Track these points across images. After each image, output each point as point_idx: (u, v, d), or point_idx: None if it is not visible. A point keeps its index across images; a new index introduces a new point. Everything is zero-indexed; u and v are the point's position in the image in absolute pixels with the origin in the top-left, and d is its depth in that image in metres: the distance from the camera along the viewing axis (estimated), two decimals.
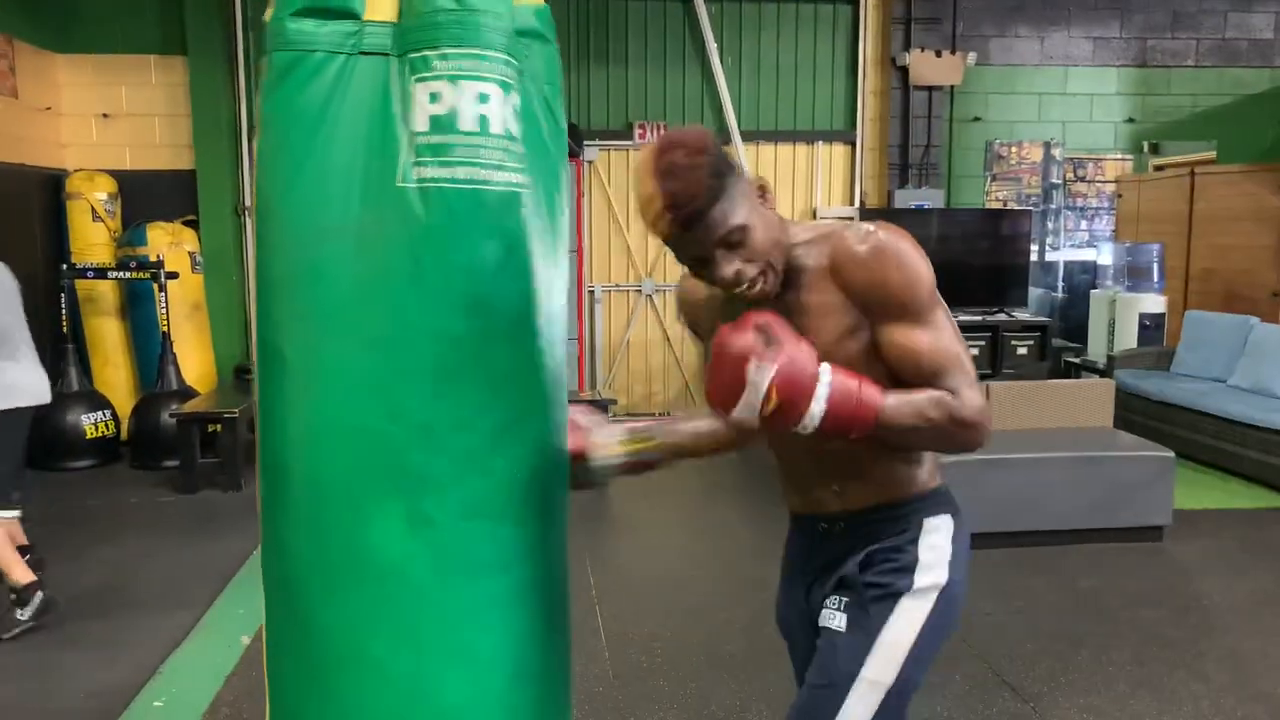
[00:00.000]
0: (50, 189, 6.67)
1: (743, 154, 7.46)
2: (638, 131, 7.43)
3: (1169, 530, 4.72)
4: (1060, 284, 8.12)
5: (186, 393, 6.25)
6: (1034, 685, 3.28)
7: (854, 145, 7.73)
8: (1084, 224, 8.17)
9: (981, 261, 7.30)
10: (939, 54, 7.42)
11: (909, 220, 6.73)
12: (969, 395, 1.47)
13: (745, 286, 1.51)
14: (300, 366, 1.63)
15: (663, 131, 1.51)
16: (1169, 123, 7.99)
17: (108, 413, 6.26)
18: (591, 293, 7.57)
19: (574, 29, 7.34)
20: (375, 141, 1.59)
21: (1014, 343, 7.05)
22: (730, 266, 1.49)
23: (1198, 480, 5.75)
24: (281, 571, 1.70)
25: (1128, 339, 7.04)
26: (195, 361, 6.77)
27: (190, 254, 6.76)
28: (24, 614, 3.61)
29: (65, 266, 6.28)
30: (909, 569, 1.59)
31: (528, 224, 1.68)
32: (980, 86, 7.74)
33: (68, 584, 4.09)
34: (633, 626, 3.75)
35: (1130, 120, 7.96)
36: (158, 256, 6.36)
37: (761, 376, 1.40)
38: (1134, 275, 7.19)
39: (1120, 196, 8.07)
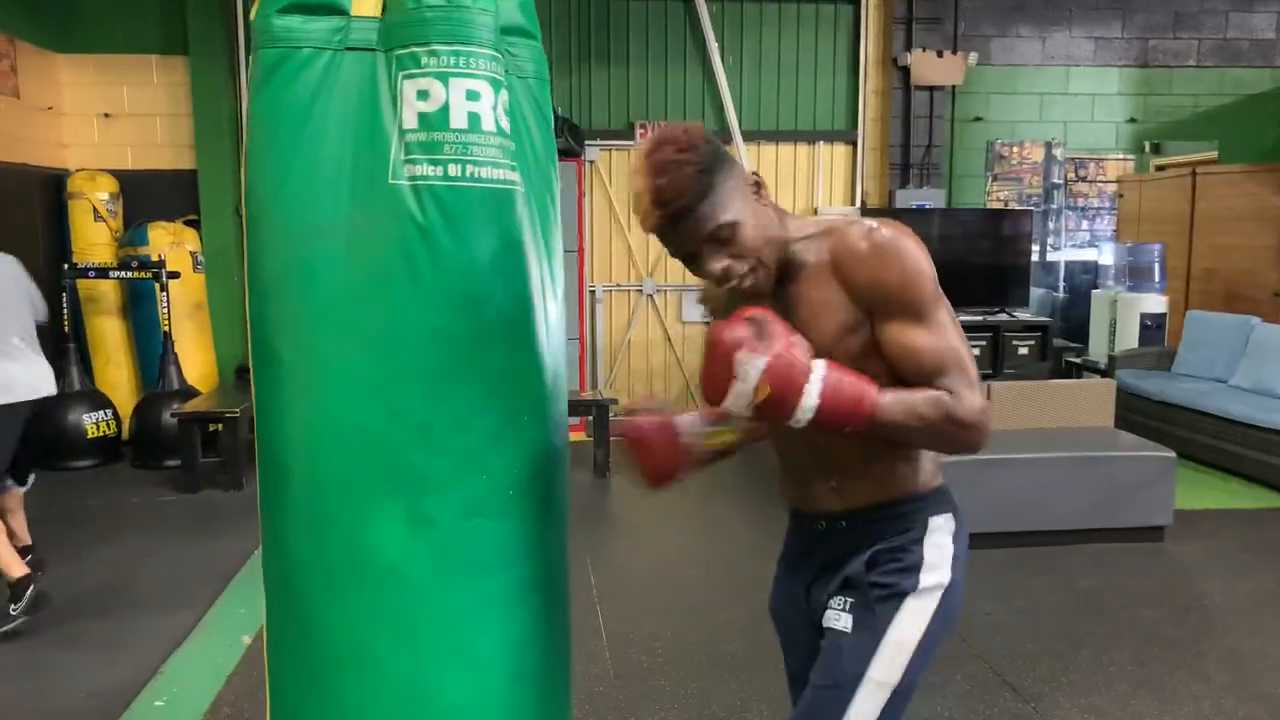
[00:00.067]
0: (52, 189, 6.67)
1: (744, 154, 7.46)
2: (639, 131, 7.43)
3: (1170, 530, 4.71)
4: (1061, 284, 8.12)
5: (188, 392, 6.25)
6: (1035, 685, 3.28)
7: (855, 145, 7.73)
8: (1085, 224, 8.16)
9: (983, 261, 7.29)
10: (940, 54, 7.42)
11: (910, 220, 6.66)
12: (967, 396, 1.46)
13: (734, 282, 1.52)
14: (297, 366, 1.62)
15: (655, 147, 1.51)
16: (1170, 123, 7.98)
17: (109, 412, 6.26)
18: (592, 292, 7.57)
19: (575, 28, 7.34)
20: (364, 138, 1.59)
21: (1015, 343, 7.04)
22: (718, 262, 1.51)
23: (1199, 480, 5.75)
24: (282, 571, 1.71)
25: (1129, 339, 7.03)
26: (197, 361, 6.78)
27: (192, 254, 6.76)
28: (17, 608, 3.60)
29: (67, 266, 6.28)
30: (914, 568, 1.59)
31: (521, 221, 1.68)
32: (981, 86, 7.74)
33: (69, 584, 4.10)
34: (633, 626, 3.75)
35: (1132, 120, 7.95)
36: (159, 256, 6.36)
37: (751, 368, 1.41)
38: (1135, 275, 7.18)
39: (1121, 196, 8.06)
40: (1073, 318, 7.93)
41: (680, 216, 1.46)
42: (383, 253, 1.58)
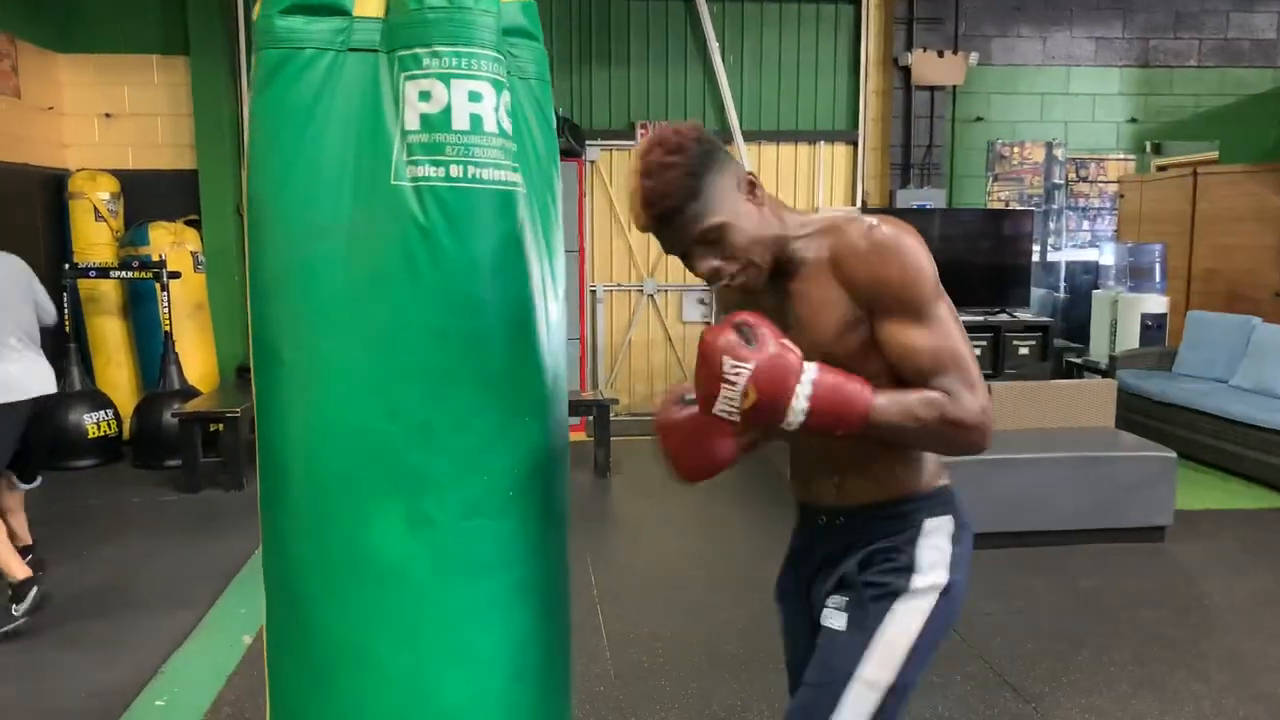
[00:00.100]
0: (52, 189, 6.68)
1: (744, 154, 7.45)
2: (640, 131, 7.43)
3: (1170, 530, 4.71)
4: (1062, 284, 8.11)
5: (189, 392, 6.25)
6: (1035, 685, 3.28)
7: (856, 145, 7.73)
8: (1086, 224, 8.16)
9: (983, 262, 7.29)
10: (941, 54, 7.42)
11: (911, 220, 6.66)
12: (965, 396, 1.45)
13: (724, 281, 1.54)
14: (298, 366, 1.63)
15: (647, 148, 1.52)
16: (1171, 123, 7.98)
17: (110, 412, 6.26)
18: (593, 292, 7.57)
19: (576, 28, 7.34)
20: (366, 139, 1.59)
21: (1016, 343, 7.04)
22: (706, 262, 1.53)
23: (1199, 480, 5.74)
24: (282, 571, 1.71)
25: (1130, 339, 7.03)
26: (197, 361, 6.78)
27: (192, 253, 6.77)
28: (19, 609, 3.60)
29: (68, 266, 6.29)
30: (908, 569, 1.59)
31: (522, 222, 1.68)
32: (982, 86, 7.73)
33: (69, 583, 4.10)
34: (634, 626, 3.75)
35: (1132, 120, 7.95)
36: (160, 256, 6.37)
37: (737, 373, 1.42)
38: (1136, 275, 7.18)
39: (1122, 197, 8.06)
40: (1073, 318, 7.92)
41: (667, 218, 1.49)
42: (384, 253, 1.58)
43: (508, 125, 1.65)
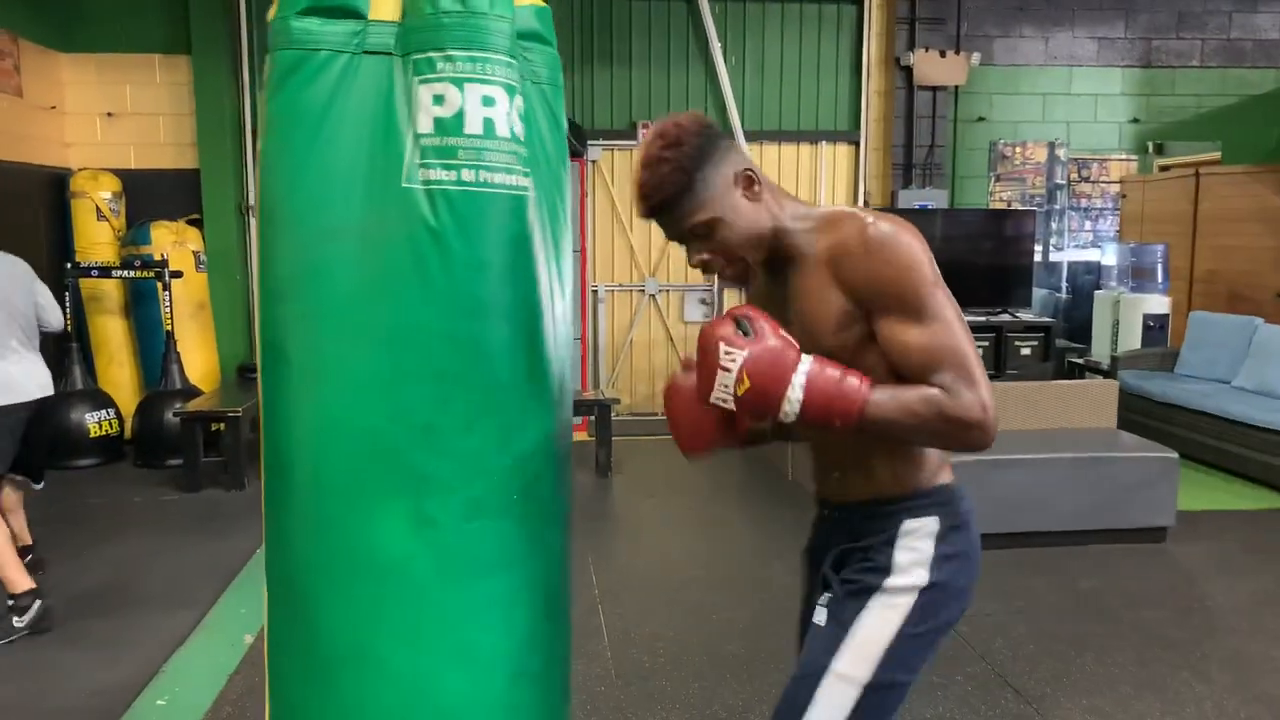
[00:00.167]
0: (55, 188, 6.68)
1: (746, 154, 7.45)
2: (641, 131, 7.43)
3: (1172, 531, 4.71)
4: (1064, 284, 8.11)
5: (190, 392, 6.25)
6: (1036, 686, 3.27)
7: (858, 145, 7.73)
8: (1088, 224, 8.16)
9: (985, 262, 7.28)
10: (943, 54, 7.42)
11: (912, 220, 6.69)
12: (964, 393, 1.44)
13: (715, 273, 1.60)
14: (304, 366, 1.63)
15: (648, 140, 1.55)
16: (1173, 123, 7.97)
17: (111, 411, 6.26)
18: (594, 292, 7.57)
19: (578, 28, 7.34)
20: (379, 142, 1.59)
21: (1018, 343, 7.03)
22: (697, 255, 1.60)
23: (1201, 481, 5.74)
24: (284, 570, 1.71)
25: (1131, 340, 7.03)
26: (199, 360, 6.78)
27: (194, 253, 6.77)
28: (20, 622, 3.57)
29: (69, 265, 6.29)
30: (884, 569, 1.59)
31: (532, 226, 1.69)
32: (984, 86, 7.73)
33: (70, 583, 4.10)
34: (635, 626, 3.75)
35: (1135, 121, 7.94)
36: (162, 255, 6.37)
37: (731, 360, 1.45)
38: (1138, 276, 7.17)
39: (1124, 197, 8.05)
40: (1075, 318, 7.92)
41: (661, 210, 1.55)
42: (394, 255, 1.59)
43: (520, 130, 1.65)
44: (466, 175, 1.59)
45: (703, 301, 7.70)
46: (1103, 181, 8.09)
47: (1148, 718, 3.07)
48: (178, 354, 6.31)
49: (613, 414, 6.15)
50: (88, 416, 6.09)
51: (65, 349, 6.10)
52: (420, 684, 1.66)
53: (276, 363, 1.65)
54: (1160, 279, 7.14)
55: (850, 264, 1.50)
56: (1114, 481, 4.61)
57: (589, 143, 7.28)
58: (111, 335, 6.74)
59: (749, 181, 1.57)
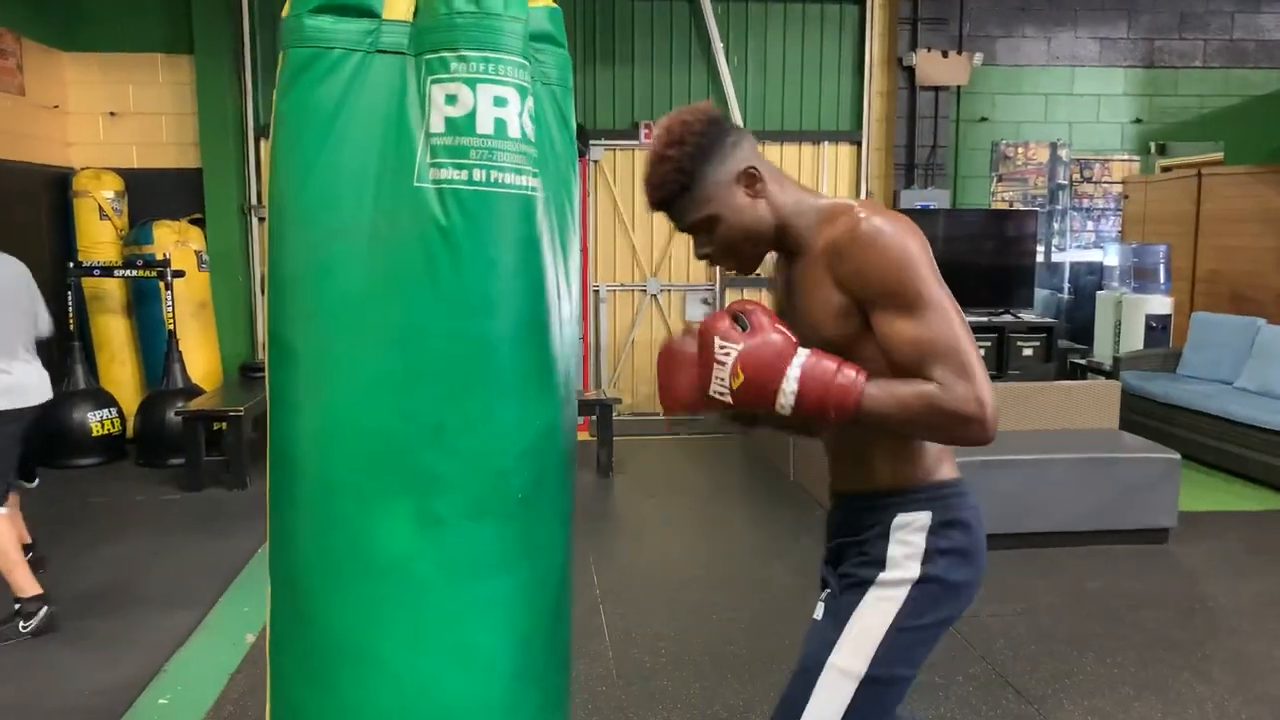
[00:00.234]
0: (57, 187, 6.68)
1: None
2: (643, 131, 7.43)
3: (1174, 532, 4.71)
4: (1066, 285, 8.10)
5: (192, 391, 6.26)
6: (1038, 687, 3.27)
7: (860, 145, 7.73)
8: (1090, 225, 8.15)
9: (987, 262, 7.28)
10: (945, 54, 7.41)
11: (914, 220, 6.70)
12: (958, 387, 1.44)
13: (716, 265, 1.62)
14: (312, 364, 1.63)
15: (656, 134, 1.56)
16: (1176, 123, 7.97)
17: (113, 410, 6.27)
18: (596, 292, 7.57)
19: (580, 28, 7.34)
20: (390, 141, 1.60)
21: (1020, 344, 7.04)
22: (700, 248, 1.67)
23: (1203, 482, 5.74)
24: (287, 567, 1.71)
25: (1134, 340, 7.02)
26: (201, 359, 6.78)
27: (196, 252, 6.78)
28: (26, 627, 3.57)
29: (72, 264, 6.30)
30: (878, 562, 1.62)
31: (540, 226, 1.69)
32: (987, 87, 7.73)
33: (72, 582, 4.10)
34: (637, 626, 3.75)
35: (1137, 121, 7.94)
36: (164, 255, 6.37)
37: (726, 354, 1.49)
38: (1140, 276, 7.17)
39: (1127, 197, 8.05)
40: (1077, 319, 7.91)
41: (662, 205, 1.62)
42: (404, 254, 1.59)
43: (530, 130, 1.66)
44: (477, 175, 1.59)
45: (704, 301, 7.70)
46: (1105, 182, 8.08)
47: (1149, 718, 3.07)
48: (180, 353, 6.31)
49: (614, 414, 6.15)
50: (90, 416, 6.09)
51: (67, 348, 6.11)
52: (421, 684, 1.66)
53: (284, 361, 1.66)
54: (1162, 279, 7.13)
55: (842, 259, 1.52)
56: (1116, 482, 4.60)
57: (591, 143, 7.29)
58: (114, 334, 6.74)
59: (750, 179, 1.60)
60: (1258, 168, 7.27)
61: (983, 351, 6.87)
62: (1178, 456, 4.69)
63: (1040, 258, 7.77)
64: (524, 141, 1.64)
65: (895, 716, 1.78)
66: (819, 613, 1.67)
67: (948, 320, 1.47)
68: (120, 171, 6.81)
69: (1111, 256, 7.59)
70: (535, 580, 1.75)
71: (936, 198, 7.44)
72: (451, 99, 1.59)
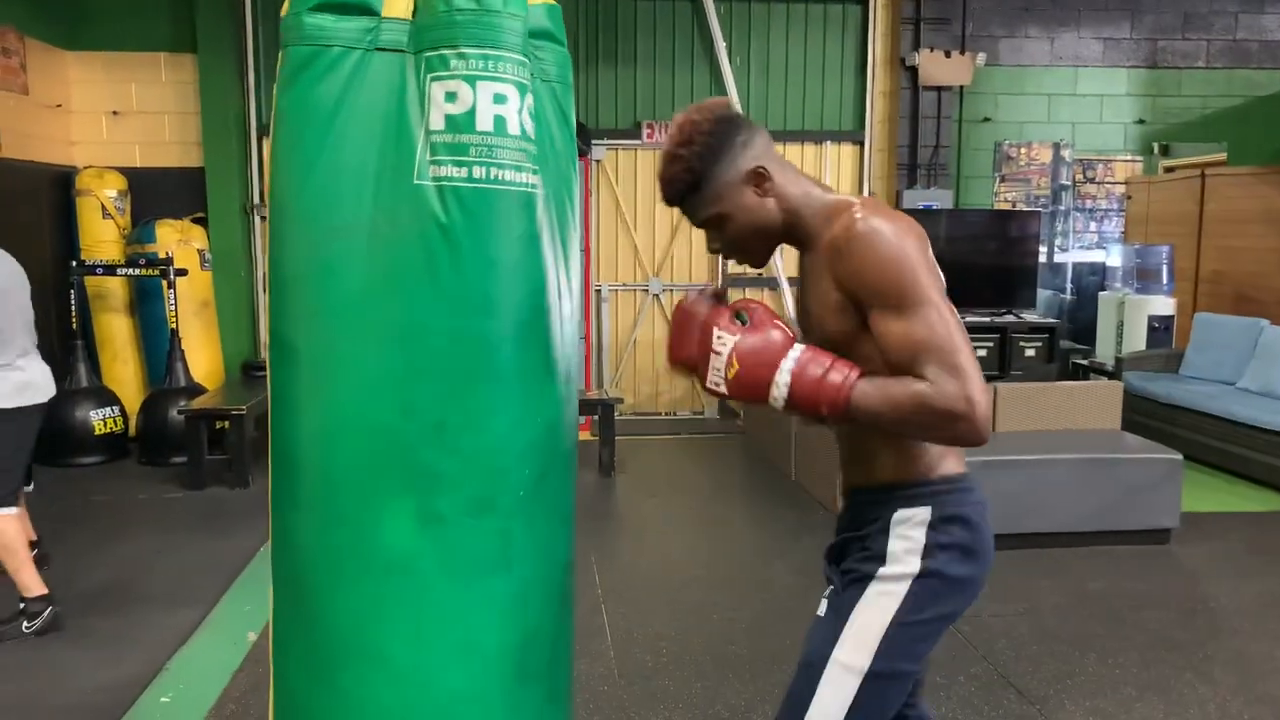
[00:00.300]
0: (60, 186, 6.69)
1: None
2: (646, 131, 7.43)
3: (1176, 533, 4.70)
4: (1069, 285, 8.10)
5: (194, 389, 6.26)
6: (1040, 687, 3.27)
7: (863, 145, 7.72)
8: (1093, 225, 8.15)
9: (990, 263, 7.28)
10: (948, 54, 7.41)
11: (917, 221, 6.70)
12: (947, 385, 1.45)
13: (726, 260, 1.72)
14: (314, 362, 1.64)
15: (669, 131, 1.59)
16: (1179, 124, 7.96)
17: (116, 409, 6.28)
18: (598, 291, 7.57)
19: (583, 28, 7.34)
20: (390, 138, 1.60)
21: (1022, 344, 7.03)
22: (711, 243, 1.72)
23: (1205, 483, 5.73)
24: (290, 565, 1.71)
25: (1136, 341, 7.02)
26: (203, 358, 6.79)
27: (199, 251, 6.79)
28: (30, 627, 3.57)
29: (75, 263, 6.30)
30: (879, 557, 1.63)
31: (540, 224, 1.70)
32: (989, 87, 7.72)
33: (74, 580, 4.11)
34: (638, 626, 3.75)
35: (1140, 121, 7.93)
36: (167, 253, 6.38)
37: (722, 345, 1.55)
38: (1143, 277, 7.16)
39: (1130, 198, 8.04)
40: (1080, 319, 7.91)
41: (674, 202, 1.66)
42: (404, 252, 1.60)
43: (530, 128, 1.66)
44: (477, 172, 1.60)
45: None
46: (1108, 182, 8.07)
47: (1151, 719, 3.07)
48: (182, 352, 6.32)
49: (616, 413, 6.15)
50: (92, 414, 6.10)
51: (70, 347, 6.12)
52: (423, 681, 1.66)
53: (286, 359, 1.66)
54: (1165, 280, 7.13)
55: (840, 258, 1.54)
56: (1118, 483, 4.60)
57: (594, 142, 7.29)
58: (116, 333, 6.75)
59: (759, 179, 1.62)
60: (1261, 168, 7.26)
61: (985, 352, 6.89)
62: (1180, 457, 4.68)
63: (1043, 258, 7.77)
64: (524, 139, 1.65)
65: (920, 713, 1.82)
66: (823, 609, 1.69)
67: (940, 320, 1.48)
68: (123, 170, 6.82)
69: (1114, 257, 7.59)
70: (537, 578, 1.75)
71: (939, 198, 7.43)
72: (451, 96, 1.59)
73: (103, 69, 6.96)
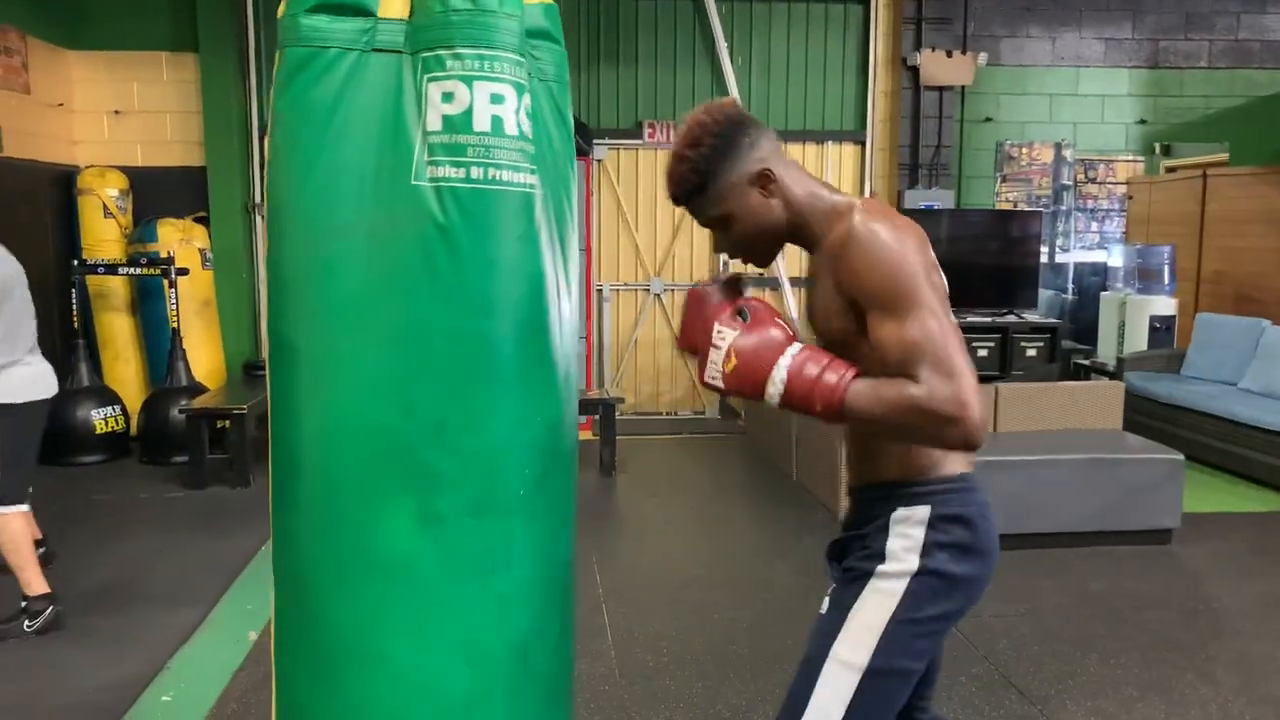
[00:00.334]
0: (62, 185, 6.70)
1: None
2: (647, 131, 7.43)
3: (1177, 533, 4.70)
4: (1070, 286, 8.09)
5: (196, 389, 6.27)
6: (1041, 688, 3.27)
7: (864, 145, 7.72)
8: (1094, 225, 8.14)
9: (991, 263, 7.27)
10: (950, 54, 7.40)
11: (918, 221, 6.70)
12: (939, 387, 1.44)
13: (733, 259, 1.73)
14: (313, 363, 1.64)
15: (672, 131, 1.60)
16: (1181, 124, 7.95)
17: (117, 408, 6.28)
18: (599, 291, 7.57)
19: (584, 28, 7.34)
20: (387, 139, 1.60)
21: (1023, 344, 7.03)
22: (717, 243, 1.74)
23: (1206, 483, 5.73)
24: (291, 566, 1.71)
25: (1138, 341, 7.01)
26: (205, 357, 6.80)
27: (200, 250, 6.79)
28: (31, 626, 3.58)
29: (76, 262, 6.31)
30: (878, 554, 1.64)
31: (539, 224, 1.69)
32: (991, 87, 7.72)
33: (75, 579, 4.11)
34: (639, 626, 3.75)
35: (1142, 121, 7.92)
36: (168, 253, 6.38)
37: (721, 339, 1.57)
38: (1144, 277, 7.16)
39: (1131, 198, 8.03)
40: (1081, 320, 7.91)
41: (680, 201, 1.68)
42: (402, 252, 1.60)
43: (528, 127, 1.66)
44: (475, 173, 1.60)
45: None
46: (1109, 182, 8.07)
47: (1152, 719, 3.07)
48: (183, 351, 6.32)
49: (617, 413, 6.15)
50: (93, 413, 6.11)
51: (72, 346, 6.12)
52: (425, 681, 1.66)
53: (286, 360, 1.66)
54: (1167, 280, 7.12)
55: (839, 260, 1.56)
56: (1120, 483, 4.60)
57: (595, 142, 7.28)
58: (118, 332, 6.76)
59: (764, 180, 1.63)
60: (1263, 168, 7.25)
61: (986, 352, 6.88)
62: (1181, 457, 4.68)
63: (1044, 258, 7.76)
64: (521, 138, 1.64)
65: (931, 716, 1.83)
66: (824, 606, 1.70)
67: (935, 322, 1.48)
68: (125, 169, 6.83)
69: (1116, 257, 7.58)
70: (538, 578, 1.75)
71: (940, 198, 7.43)
72: (448, 97, 1.59)
73: (104, 68, 6.97)
